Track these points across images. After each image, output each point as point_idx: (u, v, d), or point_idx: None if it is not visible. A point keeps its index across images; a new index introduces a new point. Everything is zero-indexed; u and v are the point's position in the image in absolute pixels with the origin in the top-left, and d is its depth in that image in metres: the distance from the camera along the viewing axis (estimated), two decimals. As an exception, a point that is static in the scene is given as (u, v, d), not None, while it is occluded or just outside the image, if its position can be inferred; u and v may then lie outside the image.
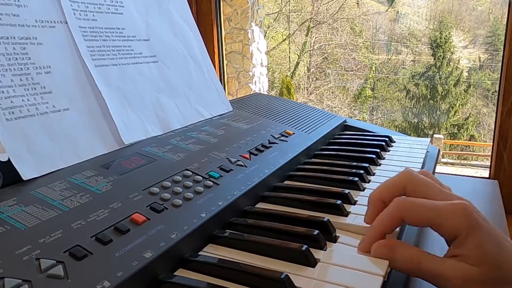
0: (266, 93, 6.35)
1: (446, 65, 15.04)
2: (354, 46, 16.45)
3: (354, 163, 0.88)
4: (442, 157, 12.08)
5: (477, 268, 0.49)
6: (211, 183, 0.69)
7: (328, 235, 0.61)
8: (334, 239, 0.61)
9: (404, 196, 0.58)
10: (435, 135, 13.05)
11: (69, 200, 0.57)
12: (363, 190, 0.78)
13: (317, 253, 0.56)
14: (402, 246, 0.55)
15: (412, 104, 15.16)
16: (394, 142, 1.09)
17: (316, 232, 0.58)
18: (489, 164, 2.15)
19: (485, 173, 3.48)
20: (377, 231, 0.57)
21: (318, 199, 0.72)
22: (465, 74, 15.20)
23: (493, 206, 0.90)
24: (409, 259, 0.53)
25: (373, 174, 0.86)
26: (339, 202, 0.69)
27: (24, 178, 0.61)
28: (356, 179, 0.79)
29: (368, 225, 0.61)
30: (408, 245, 0.55)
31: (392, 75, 16.37)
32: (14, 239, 0.48)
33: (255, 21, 6.21)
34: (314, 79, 16.35)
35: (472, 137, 14.77)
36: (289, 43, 16.29)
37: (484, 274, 0.49)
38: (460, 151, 14.30)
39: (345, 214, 0.68)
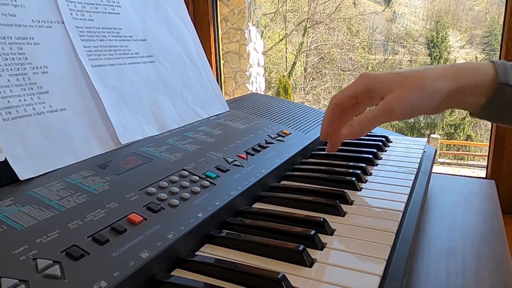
0: (262, 93, 6.35)
1: (443, 65, 15.04)
2: (351, 46, 16.44)
3: (351, 163, 0.89)
4: (439, 157, 12.08)
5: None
6: (208, 183, 0.69)
7: (325, 234, 0.61)
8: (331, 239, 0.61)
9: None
10: (432, 135, 13.05)
11: (66, 200, 0.57)
12: (360, 190, 0.78)
13: (314, 253, 0.56)
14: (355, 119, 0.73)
15: (409, 104, 15.14)
16: (391, 142, 1.09)
17: (313, 232, 0.59)
18: (485, 164, 2.16)
19: (482, 173, 3.49)
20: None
21: (315, 199, 0.72)
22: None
23: (490, 206, 0.90)
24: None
25: (370, 174, 0.86)
26: (336, 202, 0.69)
27: (21, 178, 0.61)
28: (353, 179, 0.79)
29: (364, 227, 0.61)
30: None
31: (389, 75, 16.36)
32: (11, 239, 0.48)
33: (252, 21, 6.22)
34: (311, 79, 16.34)
35: (468, 137, 14.77)
36: (286, 43, 16.27)
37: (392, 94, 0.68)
38: (457, 151, 14.30)
39: (342, 214, 0.68)
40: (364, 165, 0.87)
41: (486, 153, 2.15)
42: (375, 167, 0.90)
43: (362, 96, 0.73)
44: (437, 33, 15.58)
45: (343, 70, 16.35)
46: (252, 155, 0.83)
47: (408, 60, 16.24)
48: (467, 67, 0.68)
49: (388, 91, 0.68)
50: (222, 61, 2.96)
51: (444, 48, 15.23)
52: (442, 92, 0.65)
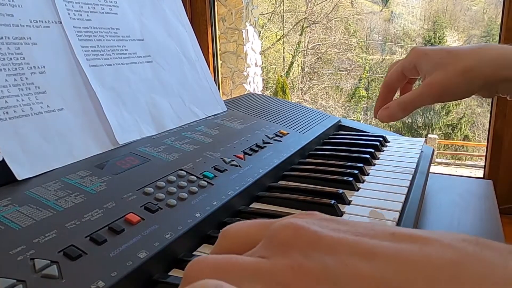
0: (260, 93, 6.35)
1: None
2: (348, 46, 16.44)
3: (349, 163, 0.89)
4: (437, 157, 12.09)
5: (431, 75, 0.68)
6: (206, 183, 0.69)
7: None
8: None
9: None
10: (429, 135, 13.06)
11: (64, 200, 0.57)
12: (358, 190, 0.78)
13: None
14: (392, 102, 0.74)
15: (406, 104, 15.16)
16: (389, 142, 1.09)
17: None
18: (483, 164, 2.16)
19: (480, 173, 3.49)
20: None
21: (312, 199, 0.72)
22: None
23: (488, 206, 0.91)
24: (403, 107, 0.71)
25: (368, 174, 0.86)
26: (333, 202, 0.69)
27: (19, 178, 0.61)
28: (351, 179, 0.79)
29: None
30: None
31: (386, 75, 16.37)
32: (9, 239, 0.48)
33: (250, 21, 6.22)
34: (308, 79, 16.34)
35: (466, 137, 14.79)
36: (283, 43, 16.28)
37: (437, 74, 0.67)
38: (454, 151, 14.32)
39: (340, 214, 0.68)
40: (361, 165, 0.87)
41: (484, 153, 2.15)
42: (372, 167, 0.90)
43: (409, 72, 0.74)
44: (434, 33, 15.60)
45: (340, 70, 16.36)
46: (250, 155, 0.83)
47: (405, 60, 16.22)
48: None
49: (432, 69, 0.68)
50: (219, 61, 2.96)
51: (442, 48, 15.22)
52: (491, 79, 0.65)
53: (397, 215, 0.68)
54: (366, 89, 16.39)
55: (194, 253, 0.57)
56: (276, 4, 15.87)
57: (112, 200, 0.59)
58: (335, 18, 16.15)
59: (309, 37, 16.31)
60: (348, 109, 16.10)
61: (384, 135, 1.10)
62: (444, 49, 0.69)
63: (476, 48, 0.66)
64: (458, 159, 13.47)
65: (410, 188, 0.80)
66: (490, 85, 0.66)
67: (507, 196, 2.01)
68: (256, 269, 0.26)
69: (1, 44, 0.67)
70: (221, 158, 0.79)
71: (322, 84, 16.20)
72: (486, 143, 2.14)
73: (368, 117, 15.94)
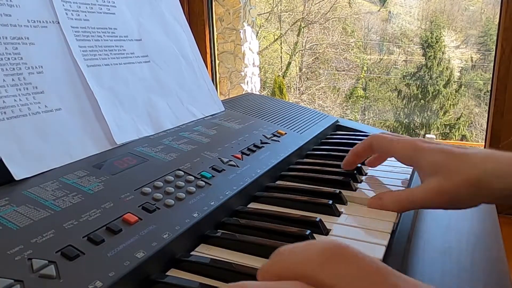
0: (258, 93, 6.36)
1: (437, 65, 15.07)
2: (345, 46, 16.44)
3: (346, 163, 0.89)
4: (434, 157, 12.08)
5: (434, 178, 0.63)
6: (203, 183, 0.69)
7: (320, 235, 0.61)
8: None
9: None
10: (427, 135, 13.05)
11: (61, 200, 0.57)
12: (356, 190, 0.78)
13: (309, 253, 0.56)
14: (387, 194, 0.70)
15: (404, 104, 15.19)
16: (386, 142, 1.09)
17: (308, 232, 0.59)
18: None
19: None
20: (350, 154, 0.82)
21: (310, 199, 0.72)
22: (457, 74, 15.23)
23: (485, 205, 0.91)
24: (397, 201, 0.68)
25: (365, 174, 0.86)
26: (331, 202, 0.69)
27: (16, 178, 0.61)
28: (348, 179, 0.79)
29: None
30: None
31: (384, 75, 16.39)
32: (6, 239, 0.48)
33: (247, 21, 6.22)
34: (306, 79, 16.34)
35: (464, 137, 14.80)
36: (281, 43, 16.27)
37: (442, 180, 0.62)
38: (452, 151, 14.29)
39: (337, 214, 0.68)
40: (359, 165, 0.87)
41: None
42: (370, 167, 0.90)
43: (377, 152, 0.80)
44: (431, 33, 15.60)
45: (338, 70, 16.35)
46: (247, 155, 0.83)
47: (403, 60, 16.24)
48: None
49: (433, 172, 0.65)
50: (217, 61, 2.97)
51: (439, 48, 15.24)
52: (497, 192, 0.61)
53: (395, 215, 0.68)
54: (364, 89, 16.38)
55: (192, 253, 0.57)
56: (273, 4, 15.87)
57: (110, 200, 0.59)
58: (332, 18, 16.15)
59: (307, 37, 16.30)
60: (346, 109, 16.10)
61: (382, 135, 1.10)
62: (445, 150, 0.66)
63: (484, 156, 0.62)
64: (456, 159, 13.45)
65: (408, 187, 0.80)
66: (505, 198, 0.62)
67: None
68: None
69: (-1, 44, 0.67)
70: (219, 158, 0.79)
71: (319, 84, 16.19)
72: (483, 143, 2.15)
73: (366, 117, 15.95)
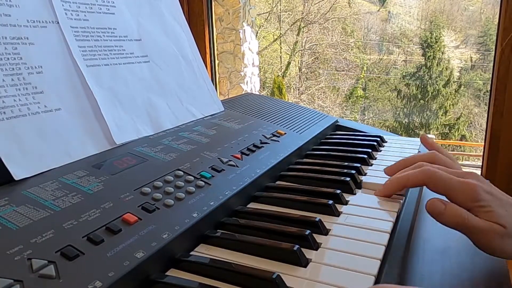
0: (257, 93, 6.35)
1: (437, 65, 15.08)
2: (345, 46, 16.45)
3: (346, 163, 0.89)
4: (433, 157, 12.08)
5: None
6: (203, 183, 0.69)
7: (319, 235, 0.61)
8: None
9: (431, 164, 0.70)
10: (427, 135, 13.05)
11: (61, 200, 0.57)
12: (355, 194, 0.78)
13: (308, 253, 0.56)
14: (452, 205, 0.64)
15: (403, 104, 15.19)
16: (386, 142, 1.09)
17: (307, 232, 0.59)
18: (480, 164, 2.16)
19: (477, 173, 3.48)
20: (400, 183, 0.72)
21: (309, 199, 0.72)
22: (456, 74, 15.25)
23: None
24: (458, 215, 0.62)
25: (365, 174, 0.86)
26: (330, 202, 0.69)
27: (16, 178, 0.61)
28: (348, 179, 0.79)
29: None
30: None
31: (384, 75, 16.40)
32: (6, 239, 0.48)
33: (247, 21, 6.22)
34: (305, 79, 16.35)
35: (463, 137, 14.81)
36: (281, 43, 16.28)
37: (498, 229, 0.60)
38: (452, 151, 14.33)
39: (337, 214, 0.68)
40: (359, 165, 0.87)
41: (481, 153, 2.14)
42: (370, 167, 0.90)
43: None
44: (430, 33, 15.60)
45: (337, 70, 16.37)
46: (247, 155, 0.83)
47: (403, 60, 16.26)
48: None
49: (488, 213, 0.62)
50: (217, 61, 2.97)
51: (438, 48, 15.25)
52: None
53: (394, 215, 0.68)
54: (364, 89, 16.40)
55: (191, 253, 0.57)
56: (273, 4, 15.87)
57: (109, 200, 0.59)
58: (332, 18, 16.16)
59: (306, 37, 16.32)
60: (346, 109, 16.11)
61: (381, 135, 1.11)
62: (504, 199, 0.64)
63: None
64: (456, 159, 13.49)
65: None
66: None
67: (504, 196, 2.01)
68: None
69: (-2, 44, 0.67)
70: (218, 158, 0.79)
71: (319, 84, 16.21)
72: (483, 143, 2.15)
73: (365, 117, 15.96)
